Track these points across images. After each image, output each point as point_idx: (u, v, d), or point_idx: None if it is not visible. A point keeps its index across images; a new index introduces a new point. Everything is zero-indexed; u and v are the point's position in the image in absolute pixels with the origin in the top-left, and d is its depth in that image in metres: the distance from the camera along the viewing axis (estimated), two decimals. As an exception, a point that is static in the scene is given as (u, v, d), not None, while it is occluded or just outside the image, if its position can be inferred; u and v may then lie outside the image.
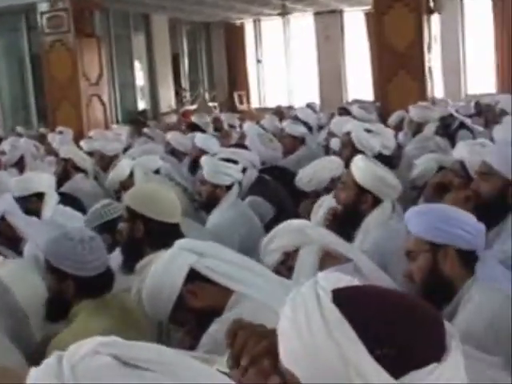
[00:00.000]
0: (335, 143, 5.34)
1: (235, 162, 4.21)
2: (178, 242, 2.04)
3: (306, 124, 6.75)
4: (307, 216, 3.27)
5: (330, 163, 4.18)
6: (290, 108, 13.22)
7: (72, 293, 2.32)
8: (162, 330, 2.34)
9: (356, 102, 9.64)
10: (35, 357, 1.92)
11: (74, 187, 5.10)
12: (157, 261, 2.03)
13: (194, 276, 1.94)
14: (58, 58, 11.31)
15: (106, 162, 5.77)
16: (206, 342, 1.88)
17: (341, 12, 16.88)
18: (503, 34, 14.82)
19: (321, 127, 7.89)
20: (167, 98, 16.05)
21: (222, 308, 1.92)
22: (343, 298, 0.95)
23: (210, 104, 16.63)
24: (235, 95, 17.98)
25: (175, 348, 1.14)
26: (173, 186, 4.23)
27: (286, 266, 2.34)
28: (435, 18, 9.93)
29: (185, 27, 17.55)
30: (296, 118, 7.32)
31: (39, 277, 2.65)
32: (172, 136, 6.68)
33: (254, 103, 18.23)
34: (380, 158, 3.84)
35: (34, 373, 0.86)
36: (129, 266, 2.60)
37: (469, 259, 2.02)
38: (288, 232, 2.38)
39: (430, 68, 9.51)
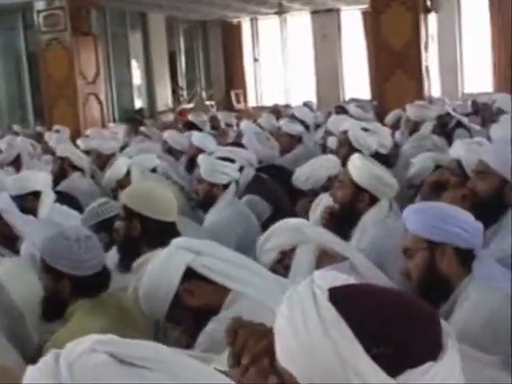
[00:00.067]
0: (332, 142, 5.34)
1: (232, 160, 4.21)
2: (175, 241, 2.04)
3: (302, 123, 6.75)
4: (304, 215, 3.27)
5: (327, 162, 4.18)
6: (287, 107, 13.21)
7: (68, 292, 2.31)
8: (159, 328, 2.34)
9: (353, 100, 9.66)
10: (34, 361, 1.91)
11: (71, 186, 5.10)
12: (153, 259, 2.03)
13: (190, 274, 1.94)
14: (55, 57, 11.28)
15: (102, 160, 5.77)
16: (203, 340, 1.88)
17: (338, 11, 16.90)
18: (500, 33, 14.83)
19: (318, 126, 7.88)
20: (164, 97, 16.04)
21: (218, 307, 1.92)
22: (340, 297, 0.94)
23: (207, 102, 16.63)
24: (232, 94, 17.98)
25: (172, 347, 1.14)
26: (170, 185, 4.23)
27: (282, 265, 2.34)
28: (432, 17, 9.92)
29: (182, 26, 17.54)
30: (293, 117, 7.32)
31: (36, 276, 2.63)
32: (169, 134, 6.66)
33: (251, 102, 18.23)
34: (377, 156, 3.85)
35: (30, 371, 0.86)
36: (125, 264, 2.60)
37: (466, 257, 2.02)
38: (285, 231, 2.37)
39: (426, 67, 9.50)
